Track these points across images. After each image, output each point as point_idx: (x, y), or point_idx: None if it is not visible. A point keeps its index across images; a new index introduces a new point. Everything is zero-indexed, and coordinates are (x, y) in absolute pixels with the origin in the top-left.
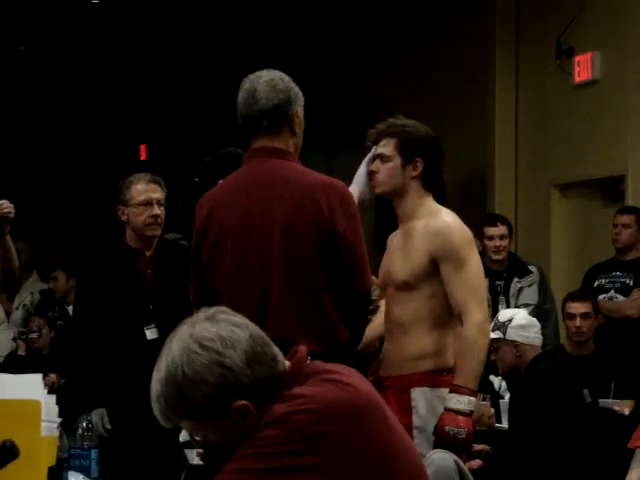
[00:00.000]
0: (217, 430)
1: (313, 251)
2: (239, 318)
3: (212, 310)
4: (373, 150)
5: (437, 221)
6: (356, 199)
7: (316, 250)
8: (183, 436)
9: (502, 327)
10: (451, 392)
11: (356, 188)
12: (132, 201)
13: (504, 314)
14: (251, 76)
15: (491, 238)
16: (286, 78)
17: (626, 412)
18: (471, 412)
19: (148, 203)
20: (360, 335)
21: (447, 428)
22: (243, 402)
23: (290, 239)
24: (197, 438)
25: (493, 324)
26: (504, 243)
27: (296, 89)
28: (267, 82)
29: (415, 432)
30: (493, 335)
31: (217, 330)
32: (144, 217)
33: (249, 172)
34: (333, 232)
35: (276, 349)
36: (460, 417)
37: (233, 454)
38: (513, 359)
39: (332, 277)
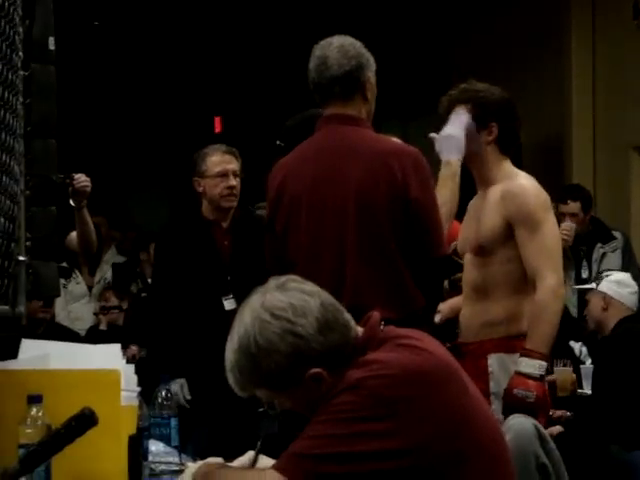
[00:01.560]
0: (292, 398)
1: (387, 217)
2: (310, 286)
3: (283, 279)
4: (464, 117)
5: (513, 184)
6: (459, 166)
7: (390, 216)
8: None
9: (598, 279)
10: (522, 356)
11: (458, 155)
12: (208, 172)
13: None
14: (322, 42)
15: (562, 215)
16: (357, 44)
17: None
18: (542, 376)
19: (224, 174)
20: (437, 302)
21: (515, 391)
22: (317, 369)
23: (364, 206)
24: (273, 406)
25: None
26: (572, 224)
27: (368, 55)
28: (338, 48)
29: (492, 398)
30: (586, 286)
31: (288, 299)
32: (220, 188)
33: (321, 140)
34: (407, 198)
35: (348, 315)
36: (530, 381)
37: (309, 422)
38: (599, 312)
39: (407, 244)
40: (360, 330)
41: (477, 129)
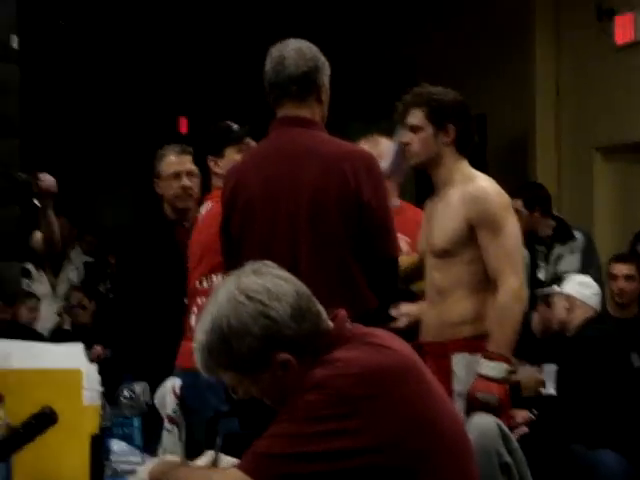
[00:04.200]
0: (259, 383)
1: (340, 219)
2: (284, 272)
3: (258, 264)
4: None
5: (474, 187)
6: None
7: (343, 219)
8: None
9: (560, 281)
10: (484, 358)
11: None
12: (163, 173)
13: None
14: (278, 44)
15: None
16: (314, 48)
17: None
18: (504, 378)
19: (177, 175)
20: (389, 302)
21: (478, 394)
22: (286, 355)
23: (317, 209)
24: (238, 392)
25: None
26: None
27: (323, 59)
28: (296, 50)
29: (455, 397)
30: (549, 290)
31: (263, 282)
32: (174, 189)
33: (275, 142)
34: (359, 200)
35: (320, 307)
36: (492, 383)
37: (270, 420)
38: (564, 313)
39: (360, 245)
40: (331, 324)
41: (434, 132)
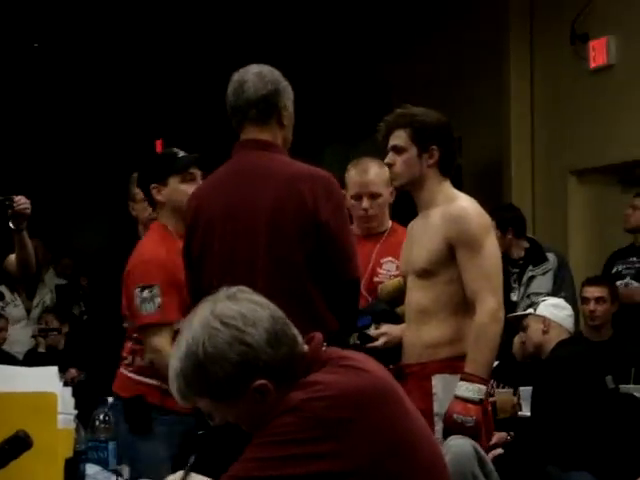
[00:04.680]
0: (235, 410)
1: (298, 242)
2: (260, 297)
3: (233, 289)
4: None
5: (454, 207)
6: None
7: (301, 241)
8: None
9: (534, 304)
10: (462, 380)
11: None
12: (137, 196)
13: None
14: (241, 70)
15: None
16: (276, 72)
17: None
18: (481, 400)
19: None
20: (351, 324)
21: (455, 416)
22: (263, 381)
23: (275, 231)
24: (215, 419)
25: (526, 305)
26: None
27: (285, 83)
28: (256, 74)
29: (436, 419)
30: (524, 312)
31: (238, 308)
32: (148, 212)
33: (235, 165)
34: (317, 222)
35: (296, 331)
36: (470, 405)
37: (244, 442)
38: (540, 336)
39: (319, 267)
40: (307, 348)
41: (418, 153)
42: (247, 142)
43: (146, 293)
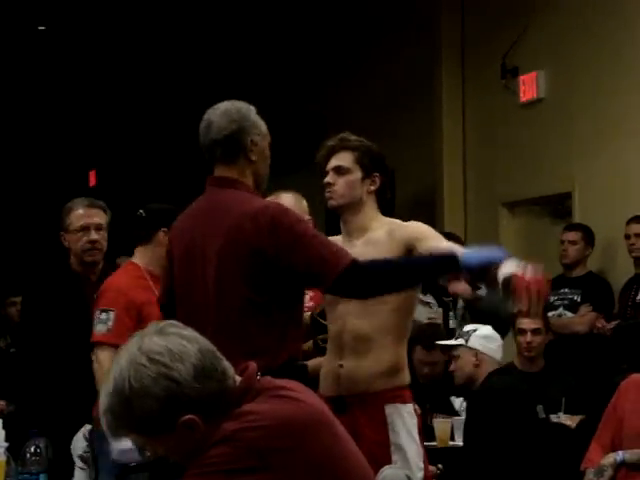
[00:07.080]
0: (165, 444)
1: (247, 277)
2: (189, 332)
3: (162, 323)
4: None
5: (396, 223)
6: None
7: (251, 275)
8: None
9: (465, 335)
10: None
11: None
12: (71, 227)
13: (468, 326)
14: (211, 108)
15: None
16: (244, 109)
17: (573, 425)
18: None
19: (86, 228)
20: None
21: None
22: (190, 416)
23: (221, 274)
24: (147, 453)
25: (457, 334)
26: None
27: (253, 119)
28: (222, 113)
29: (392, 449)
30: (455, 342)
31: (166, 343)
32: (82, 242)
33: (202, 202)
34: (266, 257)
35: (227, 364)
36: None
37: (180, 474)
38: (471, 368)
39: (281, 297)
40: (238, 379)
41: (362, 177)
42: (214, 179)
43: (103, 315)
